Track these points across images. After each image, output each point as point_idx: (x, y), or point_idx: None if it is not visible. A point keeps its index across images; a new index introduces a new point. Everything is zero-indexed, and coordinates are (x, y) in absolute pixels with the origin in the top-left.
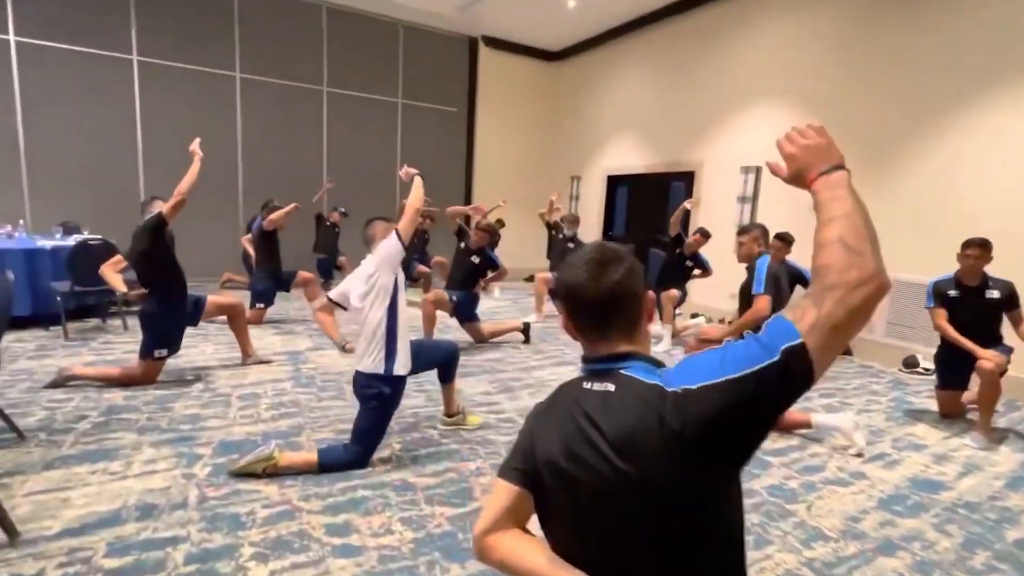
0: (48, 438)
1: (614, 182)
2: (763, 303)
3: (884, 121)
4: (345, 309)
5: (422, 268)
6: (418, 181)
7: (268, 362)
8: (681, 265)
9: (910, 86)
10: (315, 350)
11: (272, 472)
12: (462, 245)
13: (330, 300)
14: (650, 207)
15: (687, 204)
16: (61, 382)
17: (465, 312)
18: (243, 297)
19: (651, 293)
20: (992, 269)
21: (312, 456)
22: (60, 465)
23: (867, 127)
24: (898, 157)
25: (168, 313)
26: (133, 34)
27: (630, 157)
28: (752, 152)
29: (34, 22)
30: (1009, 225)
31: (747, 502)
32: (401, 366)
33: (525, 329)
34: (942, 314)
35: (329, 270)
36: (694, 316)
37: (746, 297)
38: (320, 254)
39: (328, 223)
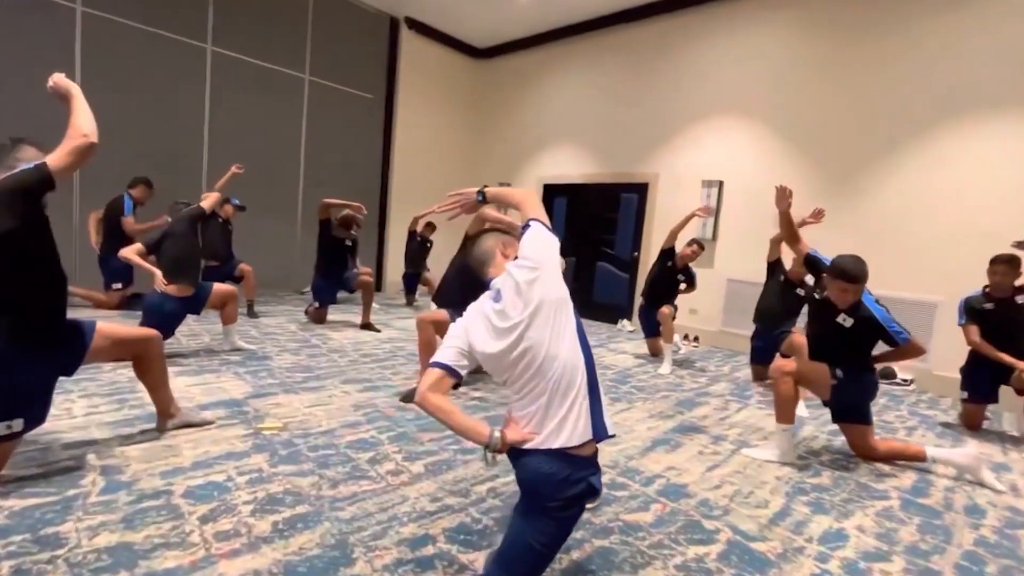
0: None
1: (551, 191)
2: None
3: (853, 137)
4: (458, 382)
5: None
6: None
7: (203, 423)
8: (672, 279)
9: (881, 102)
10: (257, 396)
11: None
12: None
13: (447, 371)
14: (596, 219)
15: (699, 212)
16: None
17: None
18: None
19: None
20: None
21: None
22: None
23: (836, 144)
24: (867, 172)
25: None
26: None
27: (571, 166)
28: (714, 166)
29: None
30: (983, 244)
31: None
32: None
33: None
34: (975, 330)
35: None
36: (685, 337)
37: None
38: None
39: (221, 219)
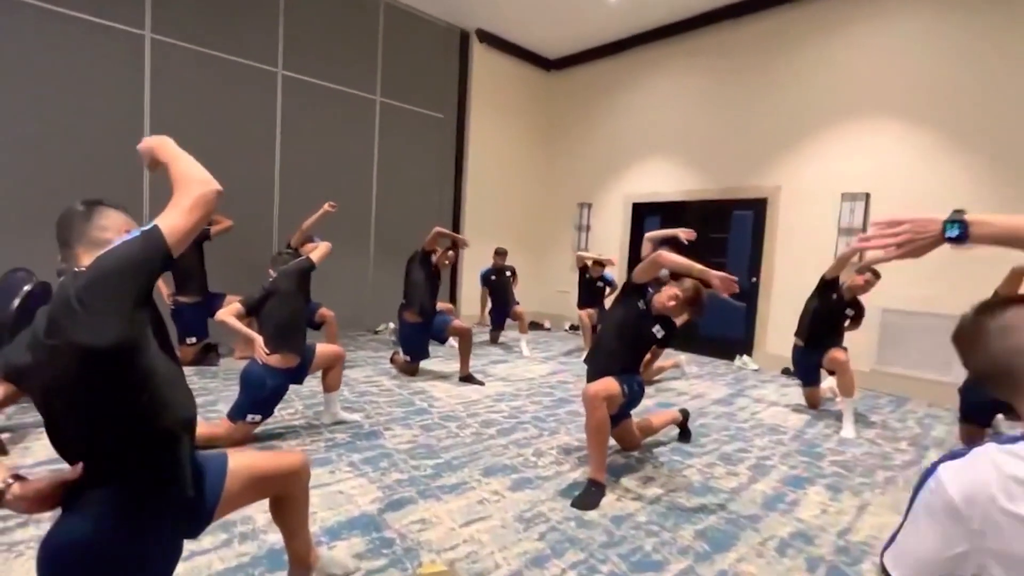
0: None
1: (640, 210)
2: None
3: None
4: None
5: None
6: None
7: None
8: (839, 315)
9: None
10: (392, 507)
11: None
12: None
13: None
14: (700, 240)
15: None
16: None
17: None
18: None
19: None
20: None
21: None
22: None
23: (1015, 144)
24: None
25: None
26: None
27: (664, 182)
28: (855, 175)
29: None
30: None
31: None
32: None
33: (685, 419)
34: None
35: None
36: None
37: None
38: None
39: None
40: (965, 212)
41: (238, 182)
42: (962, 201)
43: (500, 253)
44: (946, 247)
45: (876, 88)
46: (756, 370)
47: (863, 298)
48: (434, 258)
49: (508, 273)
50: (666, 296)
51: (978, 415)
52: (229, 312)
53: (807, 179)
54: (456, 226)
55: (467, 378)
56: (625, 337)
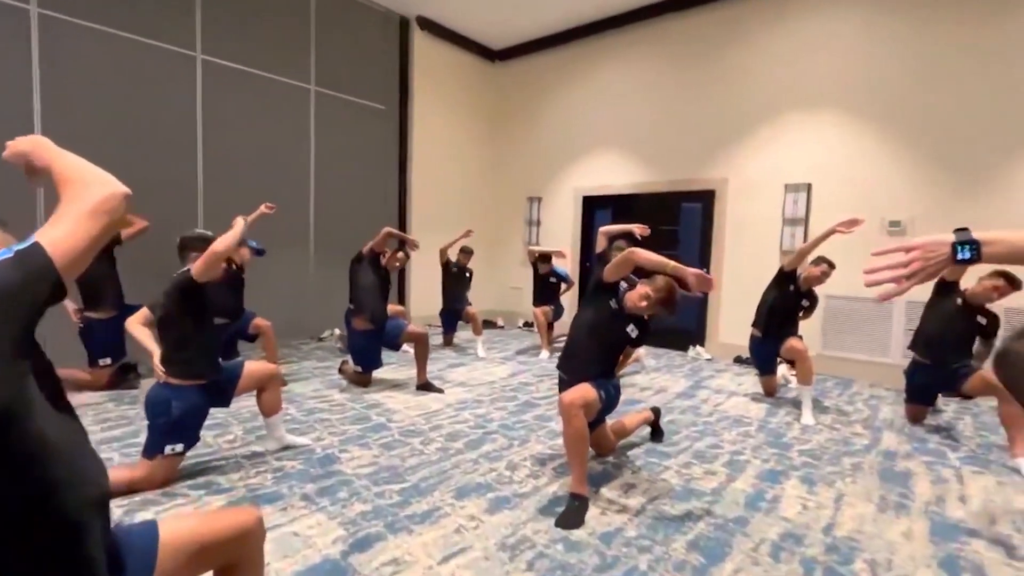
0: None
1: (592, 204)
2: None
3: (980, 132)
4: None
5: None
6: None
7: None
8: (795, 305)
9: (1009, 92)
10: (360, 547)
11: None
12: None
13: None
14: (651, 233)
15: (842, 228)
16: None
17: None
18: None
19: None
20: None
21: None
22: None
23: (953, 134)
24: (995, 170)
25: None
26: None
27: (614, 175)
28: (798, 167)
29: None
30: None
31: None
32: None
33: (656, 417)
34: None
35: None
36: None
37: None
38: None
39: (235, 266)
40: (970, 231)
41: (154, 178)
42: (903, 191)
43: (465, 252)
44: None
45: (817, 81)
46: (710, 359)
47: (816, 288)
48: (383, 260)
49: (468, 275)
50: (637, 296)
51: (922, 396)
52: (137, 319)
53: (752, 171)
54: (402, 222)
55: (425, 386)
56: (599, 338)
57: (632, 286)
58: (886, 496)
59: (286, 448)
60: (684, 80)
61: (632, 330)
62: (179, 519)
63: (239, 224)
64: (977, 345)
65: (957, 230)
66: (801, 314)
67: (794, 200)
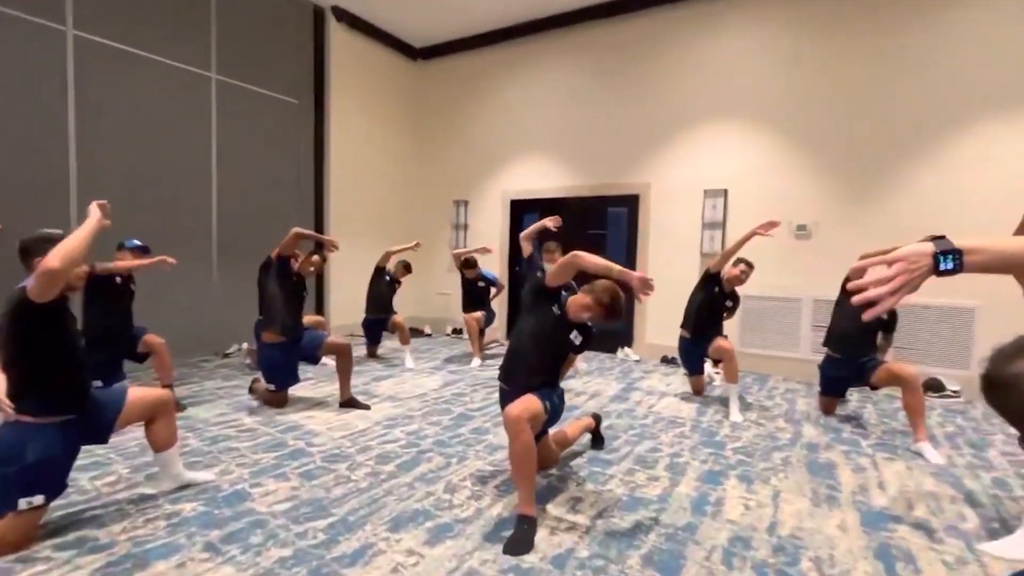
0: None
1: (519, 207)
2: None
3: (874, 135)
4: None
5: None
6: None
7: None
8: (720, 306)
9: (905, 97)
10: None
11: None
12: None
13: None
14: (579, 237)
15: (761, 230)
16: None
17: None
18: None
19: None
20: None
21: None
22: None
23: (853, 143)
24: (892, 171)
25: None
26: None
27: (541, 179)
28: (716, 174)
29: None
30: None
31: None
32: None
33: (597, 424)
34: None
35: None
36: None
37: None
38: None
39: (118, 278)
40: (947, 238)
41: (15, 170)
42: (809, 197)
43: (405, 266)
44: None
45: (733, 92)
46: (638, 361)
47: (737, 288)
48: (295, 264)
49: (397, 285)
50: (579, 306)
51: (835, 388)
52: None
53: (674, 176)
54: (319, 225)
55: (349, 403)
56: (542, 347)
57: (571, 291)
58: (817, 490)
59: (184, 487)
60: (610, 86)
61: (576, 336)
62: None
63: (93, 212)
64: (880, 339)
65: (935, 238)
66: (725, 314)
67: (713, 205)
